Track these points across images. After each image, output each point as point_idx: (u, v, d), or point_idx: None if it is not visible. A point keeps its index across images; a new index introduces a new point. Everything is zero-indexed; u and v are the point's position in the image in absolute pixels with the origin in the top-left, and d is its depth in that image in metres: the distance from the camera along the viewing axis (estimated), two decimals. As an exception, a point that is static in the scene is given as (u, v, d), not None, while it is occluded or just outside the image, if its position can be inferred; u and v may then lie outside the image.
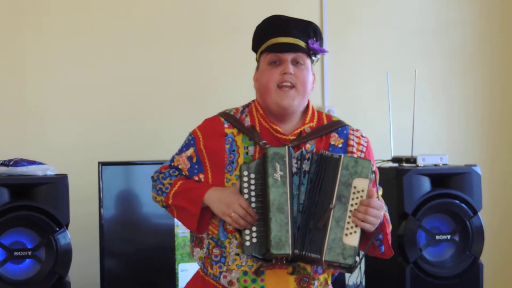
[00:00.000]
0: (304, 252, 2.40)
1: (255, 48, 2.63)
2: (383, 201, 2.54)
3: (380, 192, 2.58)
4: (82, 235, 3.87)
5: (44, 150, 4.02)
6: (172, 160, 2.63)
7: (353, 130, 2.63)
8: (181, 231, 3.81)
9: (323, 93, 4.56)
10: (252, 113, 2.61)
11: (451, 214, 3.92)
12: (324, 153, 2.46)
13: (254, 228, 2.43)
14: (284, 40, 2.54)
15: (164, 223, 3.81)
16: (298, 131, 2.56)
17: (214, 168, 2.56)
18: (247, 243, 2.43)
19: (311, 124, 2.59)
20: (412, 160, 3.99)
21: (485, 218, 4.08)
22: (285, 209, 2.40)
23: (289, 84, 2.52)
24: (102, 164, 3.75)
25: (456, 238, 3.93)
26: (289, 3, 4.46)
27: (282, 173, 2.41)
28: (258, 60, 2.63)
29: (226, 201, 2.44)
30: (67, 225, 3.44)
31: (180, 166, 2.60)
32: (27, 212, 3.39)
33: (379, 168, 4.01)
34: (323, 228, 2.41)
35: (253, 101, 2.66)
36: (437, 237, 3.90)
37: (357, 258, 2.43)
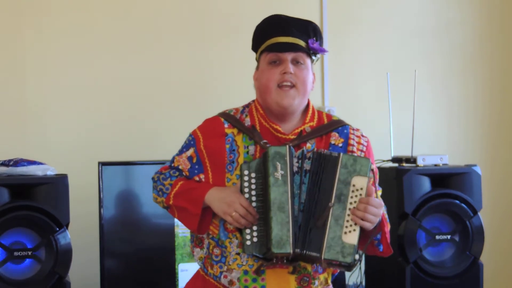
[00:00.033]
0: (304, 251, 2.40)
1: (255, 47, 2.64)
2: (382, 201, 2.55)
3: (380, 193, 2.58)
4: (82, 235, 3.87)
5: (44, 150, 4.02)
6: (172, 160, 2.63)
7: (353, 129, 2.63)
8: (181, 231, 3.81)
9: (323, 93, 4.57)
10: (252, 113, 2.61)
11: (451, 214, 3.92)
12: (323, 151, 2.46)
13: (254, 227, 2.43)
14: (284, 39, 2.54)
15: (164, 223, 3.81)
16: (298, 130, 2.56)
17: (214, 168, 2.56)
18: (248, 242, 2.43)
19: (311, 124, 2.59)
20: (412, 160, 4.00)
21: (485, 218, 4.08)
22: (286, 208, 2.40)
23: (289, 83, 2.53)
24: (102, 164, 3.75)
25: (456, 238, 3.93)
26: (289, 3, 4.46)
27: (283, 172, 2.41)
28: (258, 60, 2.63)
29: (227, 200, 2.44)
30: (67, 225, 3.44)
31: (180, 167, 2.60)
32: (27, 212, 3.39)
33: (379, 168, 4.01)
34: (322, 227, 2.41)
35: (253, 101, 2.66)
36: (437, 237, 3.90)
37: (357, 256, 2.43)
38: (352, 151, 2.56)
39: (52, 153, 4.01)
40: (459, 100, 4.85)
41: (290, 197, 2.40)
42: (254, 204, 2.43)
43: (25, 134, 4.07)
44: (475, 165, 4.02)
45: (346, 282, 4.24)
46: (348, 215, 2.41)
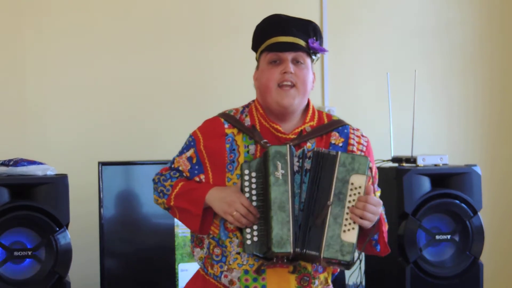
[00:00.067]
0: (304, 250, 2.40)
1: (255, 47, 2.64)
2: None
3: (378, 193, 2.58)
4: (82, 235, 3.87)
5: (44, 150, 4.02)
6: (173, 162, 2.63)
7: (353, 129, 2.63)
8: (181, 231, 3.81)
9: (323, 93, 4.57)
10: (252, 113, 2.61)
11: (451, 214, 3.92)
12: (321, 150, 2.47)
13: (255, 227, 2.43)
14: (284, 39, 2.54)
15: (164, 223, 3.81)
16: (299, 130, 2.56)
17: (214, 168, 2.56)
18: (248, 242, 2.43)
19: (311, 123, 2.59)
20: (412, 160, 3.99)
21: (485, 218, 4.08)
22: (286, 208, 2.40)
23: (289, 83, 2.53)
24: (102, 164, 3.75)
25: (456, 238, 3.93)
26: (289, 3, 4.46)
27: (283, 172, 2.41)
28: (258, 60, 2.63)
29: (228, 200, 2.44)
30: (67, 225, 3.44)
31: (180, 168, 2.60)
32: (27, 212, 3.39)
33: (379, 168, 4.02)
34: (321, 225, 2.41)
35: (253, 101, 2.66)
36: (437, 237, 3.90)
37: (356, 255, 2.43)
38: (352, 151, 2.57)
39: (52, 153, 4.01)
40: (459, 100, 4.85)
41: (290, 196, 2.41)
42: (254, 203, 2.43)
43: (25, 134, 4.07)
44: (475, 165, 4.02)
45: (346, 282, 4.25)
46: (347, 213, 2.42)
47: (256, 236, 2.43)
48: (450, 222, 3.93)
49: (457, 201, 3.91)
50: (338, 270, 2.63)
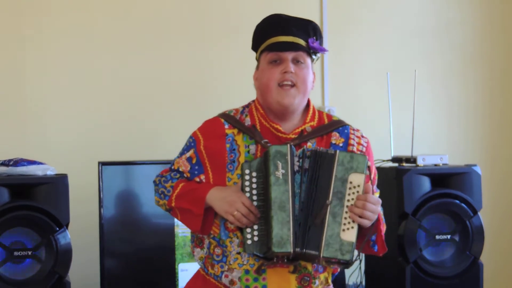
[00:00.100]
0: (304, 250, 2.40)
1: (255, 47, 2.64)
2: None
3: (377, 195, 2.58)
4: (82, 235, 3.87)
5: (44, 150, 4.02)
6: (173, 163, 2.64)
7: (353, 130, 2.63)
8: (181, 231, 3.81)
9: (323, 93, 4.57)
10: (252, 113, 2.62)
11: (451, 214, 3.92)
12: (319, 149, 2.47)
13: (255, 227, 2.43)
14: (285, 39, 2.54)
15: (164, 223, 3.81)
16: (299, 130, 2.57)
17: (214, 168, 2.56)
18: (249, 242, 2.43)
19: (312, 123, 2.60)
20: (412, 160, 3.99)
21: (485, 218, 4.08)
22: (286, 207, 2.40)
23: (289, 83, 2.53)
24: (102, 164, 3.75)
25: (456, 238, 3.93)
26: (289, 3, 4.46)
27: (284, 171, 2.41)
28: (258, 60, 2.63)
29: (228, 199, 2.44)
30: (67, 225, 3.44)
31: (181, 169, 2.60)
32: (27, 212, 3.39)
33: (379, 168, 4.02)
34: (320, 225, 2.41)
35: (253, 101, 2.66)
36: (437, 237, 3.90)
37: (355, 254, 2.44)
38: (352, 151, 2.57)
39: (52, 153, 4.01)
40: (459, 100, 4.85)
41: (291, 196, 2.41)
42: (255, 203, 2.44)
43: (25, 134, 4.07)
44: (475, 165, 4.01)
45: (346, 282, 4.24)
46: (346, 212, 2.42)
47: (257, 236, 2.43)
48: (450, 222, 3.93)
49: (457, 201, 3.91)
50: (339, 270, 2.63)
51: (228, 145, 2.56)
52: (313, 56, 2.60)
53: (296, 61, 2.55)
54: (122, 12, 4.26)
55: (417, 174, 3.88)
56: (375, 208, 2.43)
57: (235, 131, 2.58)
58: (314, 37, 2.58)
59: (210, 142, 2.58)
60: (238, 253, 2.51)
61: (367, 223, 2.42)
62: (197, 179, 2.57)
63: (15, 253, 3.38)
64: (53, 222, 3.40)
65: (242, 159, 2.53)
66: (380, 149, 4.06)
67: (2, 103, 4.05)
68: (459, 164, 4.28)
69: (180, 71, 4.32)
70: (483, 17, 4.89)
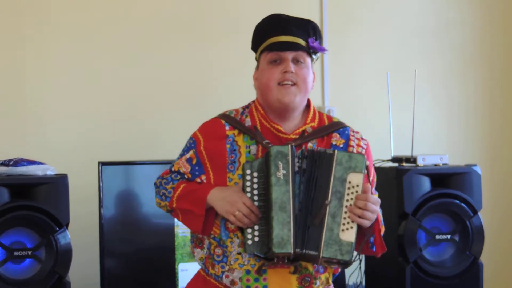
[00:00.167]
0: (304, 250, 2.40)
1: (254, 47, 2.64)
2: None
3: (376, 196, 2.57)
4: (82, 235, 3.87)
5: (44, 150, 4.02)
6: (173, 165, 2.63)
7: (353, 131, 2.64)
8: (181, 231, 3.81)
9: (323, 93, 4.56)
10: (253, 113, 2.62)
11: (451, 214, 3.92)
12: (316, 149, 2.47)
13: (256, 227, 2.43)
14: (285, 38, 2.55)
15: (164, 223, 3.81)
16: (300, 130, 2.57)
17: (215, 169, 2.56)
18: (249, 242, 2.43)
19: (312, 124, 2.60)
20: (412, 160, 3.99)
21: (485, 218, 4.08)
22: (287, 208, 2.40)
23: (290, 82, 2.53)
24: (102, 164, 3.75)
25: (456, 238, 3.93)
26: (289, 3, 4.46)
27: (285, 172, 2.41)
28: (258, 60, 2.63)
29: (230, 199, 2.44)
30: (67, 225, 3.44)
31: (181, 170, 2.60)
32: (27, 212, 3.39)
33: (379, 168, 4.02)
34: (319, 225, 2.41)
35: (253, 101, 2.66)
36: (437, 237, 3.90)
37: (355, 253, 2.43)
38: (351, 152, 2.57)
39: (52, 153, 4.01)
40: (459, 100, 4.85)
41: (291, 196, 2.41)
42: (256, 203, 2.44)
43: (25, 134, 4.07)
44: (475, 165, 4.01)
45: (346, 282, 4.24)
46: (345, 212, 2.42)
47: (257, 236, 2.43)
48: (450, 222, 3.93)
49: (457, 201, 3.91)
50: (340, 270, 2.63)
51: (228, 146, 2.56)
52: (313, 56, 2.60)
53: (296, 61, 2.55)
54: (122, 12, 4.26)
55: (417, 174, 3.88)
56: (375, 208, 2.43)
57: (236, 132, 2.58)
58: (314, 37, 2.58)
59: (210, 143, 2.58)
60: (239, 253, 2.51)
61: (367, 223, 2.42)
62: (198, 180, 2.57)
63: (15, 253, 3.38)
64: (53, 222, 3.40)
65: (243, 159, 2.53)
66: (380, 149, 4.07)
67: (2, 103, 4.05)
68: (459, 164, 4.28)
69: (180, 71, 4.32)
70: (483, 17, 4.89)
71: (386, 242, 2.57)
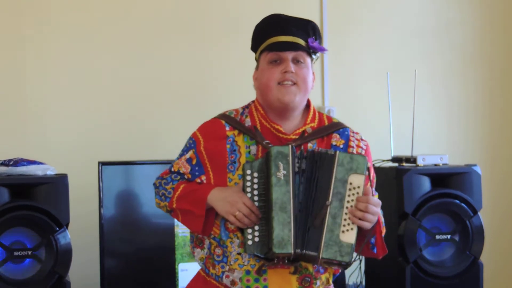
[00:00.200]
0: (304, 251, 2.40)
1: (254, 47, 2.64)
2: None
3: (376, 197, 2.57)
4: (82, 235, 3.87)
5: (44, 150, 4.02)
6: (172, 165, 2.63)
7: (353, 132, 2.64)
8: (181, 231, 3.81)
9: (323, 93, 4.56)
10: (252, 113, 2.62)
11: (451, 214, 3.92)
12: (317, 150, 2.47)
13: (256, 227, 2.43)
14: (284, 38, 2.55)
15: (164, 223, 3.81)
16: (300, 130, 2.57)
17: (215, 169, 2.56)
18: (249, 242, 2.43)
19: (312, 125, 2.60)
20: (412, 160, 3.99)
21: (485, 218, 4.08)
22: (287, 208, 2.40)
23: (290, 82, 2.53)
24: (102, 164, 3.75)
25: (456, 238, 3.93)
26: (289, 3, 4.46)
27: (285, 172, 2.41)
28: (257, 60, 2.63)
29: (230, 200, 2.44)
30: (67, 225, 3.44)
31: (181, 171, 2.60)
32: (27, 212, 3.39)
33: (379, 168, 4.02)
34: (319, 226, 2.41)
35: (252, 102, 2.66)
36: (437, 237, 3.90)
37: (354, 255, 2.43)
38: (352, 153, 2.56)
39: (52, 153, 4.01)
40: (459, 100, 4.85)
41: (292, 197, 2.41)
42: (256, 203, 2.44)
43: (25, 134, 4.07)
44: (475, 165, 4.01)
45: (346, 282, 4.24)
46: (346, 213, 2.42)
47: (257, 236, 2.43)
48: (450, 222, 3.93)
49: (457, 201, 3.91)
50: (340, 270, 2.63)
51: (228, 146, 2.56)
52: (313, 56, 2.60)
53: (296, 61, 2.55)
54: (122, 12, 4.26)
55: (417, 174, 3.88)
56: (376, 210, 2.43)
57: (236, 132, 2.58)
58: (314, 37, 2.58)
59: (210, 144, 2.58)
60: (239, 253, 2.51)
61: (367, 225, 2.42)
62: (198, 180, 2.57)
63: (15, 253, 3.38)
64: (53, 222, 3.40)
65: (243, 159, 2.53)
66: (380, 149, 4.07)
67: (2, 103, 4.05)
68: (459, 164, 4.28)
69: (180, 71, 4.32)
70: (483, 17, 4.89)
71: (386, 242, 2.57)
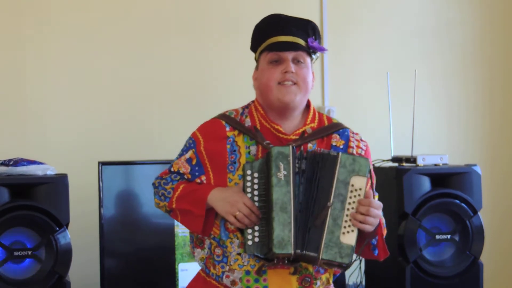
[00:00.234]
0: (304, 251, 2.40)
1: (254, 47, 2.64)
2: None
3: (376, 198, 2.57)
4: (82, 235, 3.87)
5: (44, 150, 4.02)
6: (172, 165, 2.63)
7: (353, 133, 2.64)
8: (181, 231, 3.81)
9: (323, 93, 4.56)
10: (252, 113, 2.61)
11: (451, 213, 3.92)
12: (319, 151, 2.46)
13: (256, 228, 2.43)
14: (284, 39, 2.55)
15: (164, 223, 3.81)
16: (300, 131, 2.57)
17: (215, 169, 2.55)
18: (249, 243, 2.43)
19: (312, 125, 2.60)
20: (412, 159, 3.99)
21: (485, 218, 4.08)
22: (288, 209, 2.40)
23: (290, 82, 2.53)
24: (102, 164, 3.75)
25: (456, 238, 3.93)
26: (289, 3, 4.46)
27: (285, 173, 2.41)
28: (257, 60, 2.63)
29: (230, 200, 2.44)
30: (67, 225, 3.44)
31: (181, 171, 2.59)
32: (27, 212, 3.39)
33: (379, 168, 4.02)
34: (320, 226, 2.40)
35: (252, 102, 2.66)
36: (437, 236, 3.90)
37: (354, 256, 2.43)
38: (352, 154, 2.56)
39: (52, 153, 4.01)
40: (459, 100, 4.85)
41: (292, 197, 2.40)
42: (256, 204, 2.43)
43: (25, 134, 4.07)
44: (475, 165, 4.02)
45: (346, 282, 4.25)
46: (347, 215, 2.41)
47: (257, 236, 2.43)
48: (450, 222, 3.93)
49: (457, 201, 3.91)
50: (340, 271, 2.62)
51: (228, 146, 2.56)
52: (313, 56, 2.60)
53: (296, 61, 2.55)
54: (122, 12, 4.26)
55: (417, 174, 3.88)
56: (378, 213, 2.43)
57: (236, 132, 2.57)
58: (313, 37, 2.58)
59: (210, 144, 2.57)
60: (239, 254, 2.51)
61: (369, 228, 2.42)
62: (198, 180, 2.57)
63: (15, 253, 3.39)
64: (53, 222, 3.40)
65: (243, 160, 2.52)
66: (380, 149, 4.07)
67: (2, 103, 4.05)
68: (459, 164, 4.28)
69: (180, 71, 4.32)
70: (483, 17, 4.89)
71: (386, 242, 2.57)
